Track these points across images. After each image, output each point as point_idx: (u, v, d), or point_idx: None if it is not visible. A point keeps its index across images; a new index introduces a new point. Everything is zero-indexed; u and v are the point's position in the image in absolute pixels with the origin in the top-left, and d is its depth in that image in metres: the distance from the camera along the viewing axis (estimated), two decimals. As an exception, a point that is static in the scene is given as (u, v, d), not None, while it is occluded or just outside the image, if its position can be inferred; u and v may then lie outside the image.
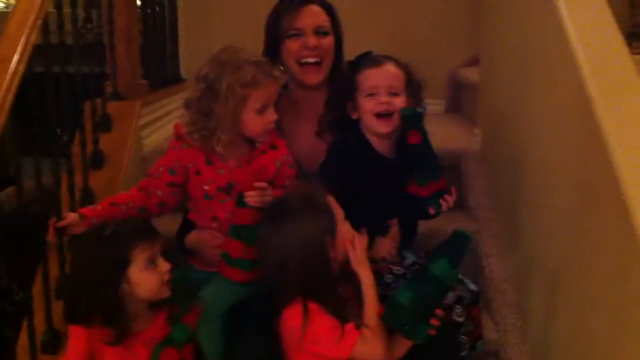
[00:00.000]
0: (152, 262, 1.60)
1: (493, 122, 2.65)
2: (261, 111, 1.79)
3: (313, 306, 1.61)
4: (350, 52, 2.05)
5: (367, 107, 1.88)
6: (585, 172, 1.70)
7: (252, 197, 1.71)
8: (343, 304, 1.64)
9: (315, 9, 2.05)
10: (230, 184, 1.83)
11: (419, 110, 1.87)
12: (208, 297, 1.77)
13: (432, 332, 1.61)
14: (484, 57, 2.86)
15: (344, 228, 1.66)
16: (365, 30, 2.29)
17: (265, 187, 1.73)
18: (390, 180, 1.90)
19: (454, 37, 3.89)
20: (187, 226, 1.96)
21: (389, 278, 1.85)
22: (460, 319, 1.83)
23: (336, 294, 1.65)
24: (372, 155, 1.92)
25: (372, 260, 1.77)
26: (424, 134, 1.84)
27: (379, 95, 1.87)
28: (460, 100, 3.79)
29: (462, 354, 1.87)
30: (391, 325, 1.62)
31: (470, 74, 3.46)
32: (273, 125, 1.83)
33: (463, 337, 1.86)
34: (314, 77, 2.05)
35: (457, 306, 1.82)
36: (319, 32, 2.04)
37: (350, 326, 1.60)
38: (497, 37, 2.62)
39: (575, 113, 1.74)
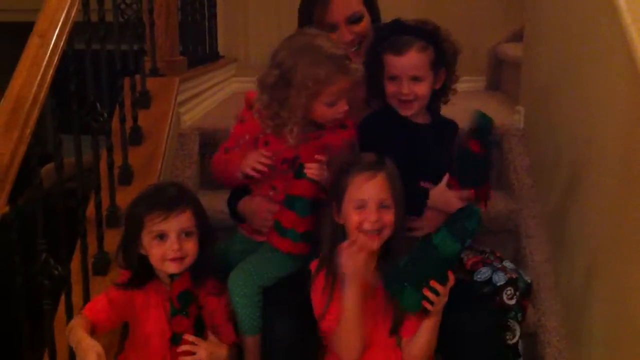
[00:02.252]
0: (159, 236, 1.65)
1: (536, 100, 2.59)
2: (332, 104, 1.78)
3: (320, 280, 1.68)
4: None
5: (389, 91, 1.87)
6: (631, 152, 1.65)
7: (311, 170, 1.73)
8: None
9: None
10: (296, 157, 1.82)
11: (492, 120, 1.82)
12: (251, 266, 1.80)
13: (427, 304, 1.58)
14: (528, 32, 2.79)
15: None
16: (400, 3, 2.23)
17: (326, 162, 1.74)
18: (426, 143, 1.89)
19: (495, 12, 3.81)
20: (241, 191, 1.96)
21: None
22: (511, 302, 1.80)
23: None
24: (404, 124, 1.90)
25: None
26: (487, 145, 1.81)
27: (400, 82, 1.85)
28: (502, 77, 3.72)
29: (511, 341, 1.84)
30: (385, 286, 1.63)
31: (513, 51, 3.38)
32: (343, 115, 1.81)
33: (512, 321, 1.83)
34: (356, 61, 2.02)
35: (509, 288, 1.79)
36: (353, 20, 2.01)
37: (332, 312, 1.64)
38: (542, 11, 2.55)
39: (624, 91, 1.69)
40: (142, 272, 1.71)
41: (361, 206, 1.65)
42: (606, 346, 1.82)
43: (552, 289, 2.20)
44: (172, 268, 1.66)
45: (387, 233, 1.66)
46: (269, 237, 1.82)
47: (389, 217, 1.65)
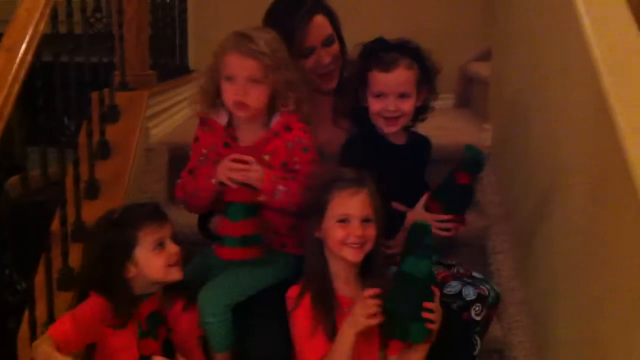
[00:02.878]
0: (159, 245, 1.66)
1: (504, 117, 2.62)
2: (229, 79, 1.78)
3: (306, 300, 1.66)
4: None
5: (375, 108, 1.88)
6: (600, 170, 1.67)
7: (233, 172, 1.72)
8: (330, 308, 1.65)
9: (320, 19, 2.04)
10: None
11: (484, 155, 1.85)
12: (219, 284, 1.78)
13: (431, 326, 1.60)
14: (496, 51, 2.83)
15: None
16: (377, 22, 2.26)
17: (251, 162, 1.73)
18: (406, 164, 1.91)
19: (465, 31, 3.86)
20: (207, 215, 1.96)
21: None
22: (477, 318, 1.82)
23: (328, 293, 1.67)
24: (386, 145, 1.92)
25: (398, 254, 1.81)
26: (475, 179, 1.85)
27: (387, 99, 1.86)
28: (471, 95, 3.76)
29: (474, 354, 1.85)
30: (387, 336, 1.64)
31: (481, 69, 3.43)
32: (243, 100, 1.77)
33: (476, 337, 1.84)
34: (332, 82, 2.07)
35: (477, 304, 1.81)
36: (327, 43, 2.05)
37: (317, 346, 1.62)
38: (510, 31, 2.59)
39: (590, 110, 1.72)
40: (127, 299, 1.66)
41: (345, 220, 1.65)
42: (572, 363, 1.84)
43: (519, 305, 2.21)
44: (178, 274, 1.67)
45: (369, 247, 1.66)
46: (215, 247, 1.81)
47: (371, 231, 1.66)
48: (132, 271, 1.65)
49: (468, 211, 1.93)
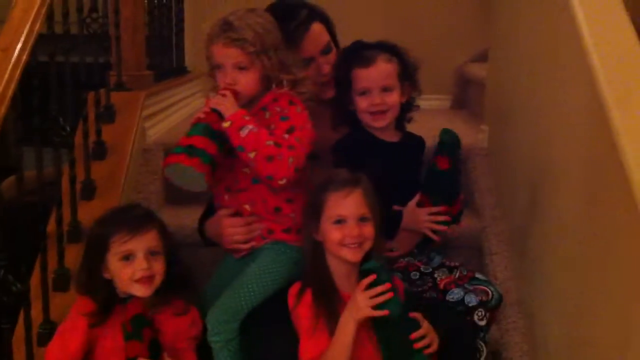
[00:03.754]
0: (126, 257, 1.62)
1: (500, 119, 2.62)
2: (219, 67, 1.79)
3: (307, 297, 1.66)
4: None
5: (361, 106, 1.89)
6: (595, 173, 1.67)
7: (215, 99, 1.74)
8: (332, 304, 1.65)
9: (317, 28, 2.03)
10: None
11: (458, 137, 1.85)
12: (226, 302, 1.76)
13: (429, 350, 1.62)
14: (493, 53, 2.83)
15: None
16: (371, 25, 2.26)
17: (227, 94, 1.74)
18: (399, 162, 1.91)
19: (461, 33, 3.86)
20: (209, 213, 1.95)
21: (415, 275, 1.88)
22: (482, 323, 1.82)
23: (329, 290, 1.67)
24: (377, 143, 1.92)
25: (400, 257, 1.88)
26: (453, 163, 1.83)
27: (371, 94, 1.88)
28: (467, 96, 3.76)
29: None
30: None
31: (478, 70, 3.43)
32: (233, 88, 1.77)
33: (481, 343, 1.85)
34: (330, 92, 2.04)
35: (480, 309, 1.81)
36: (326, 51, 2.04)
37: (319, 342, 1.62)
38: (507, 33, 2.59)
39: (586, 113, 1.72)
40: (107, 299, 1.65)
41: (340, 222, 1.66)
42: (567, 364, 1.84)
43: (515, 306, 2.21)
44: (141, 291, 1.63)
45: (368, 245, 1.66)
46: (181, 160, 1.70)
47: (368, 229, 1.66)
48: (107, 274, 1.65)
49: (456, 200, 1.90)
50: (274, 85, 1.81)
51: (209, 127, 1.71)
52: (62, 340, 1.63)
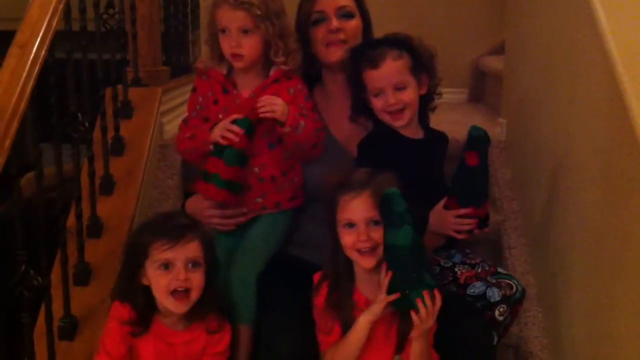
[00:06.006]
0: (165, 266, 1.60)
1: (518, 112, 2.61)
2: (223, 32, 1.82)
3: (324, 289, 1.66)
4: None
5: (377, 107, 1.87)
6: (613, 165, 1.66)
7: (264, 106, 1.77)
8: (344, 306, 1.64)
9: None
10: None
11: (488, 134, 1.79)
12: (247, 256, 1.86)
13: (422, 327, 1.57)
14: (510, 45, 2.81)
15: None
16: (384, 17, 2.23)
17: (275, 98, 1.79)
18: (425, 160, 1.90)
19: (477, 25, 3.84)
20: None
21: (435, 269, 1.85)
22: (500, 318, 1.81)
23: (343, 292, 1.65)
24: (402, 141, 1.89)
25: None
26: (483, 158, 1.77)
27: (385, 95, 1.84)
28: (484, 89, 3.75)
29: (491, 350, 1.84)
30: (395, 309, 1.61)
31: (495, 63, 3.41)
32: (237, 51, 1.82)
33: (493, 333, 1.83)
34: (337, 53, 1.96)
35: (502, 305, 1.80)
36: (343, 14, 1.97)
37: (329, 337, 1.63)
38: (524, 24, 2.57)
39: (604, 105, 1.70)
40: (145, 306, 1.64)
41: (350, 225, 1.61)
42: (586, 359, 1.82)
43: (534, 300, 2.20)
44: (176, 307, 1.61)
45: (382, 250, 1.60)
46: (196, 186, 1.83)
47: (380, 234, 1.59)
48: (145, 281, 1.63)
49: (484, 202, 1.84)
50: (272, 54, 1.85)
51: (244, 154, 1.79)
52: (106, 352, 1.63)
